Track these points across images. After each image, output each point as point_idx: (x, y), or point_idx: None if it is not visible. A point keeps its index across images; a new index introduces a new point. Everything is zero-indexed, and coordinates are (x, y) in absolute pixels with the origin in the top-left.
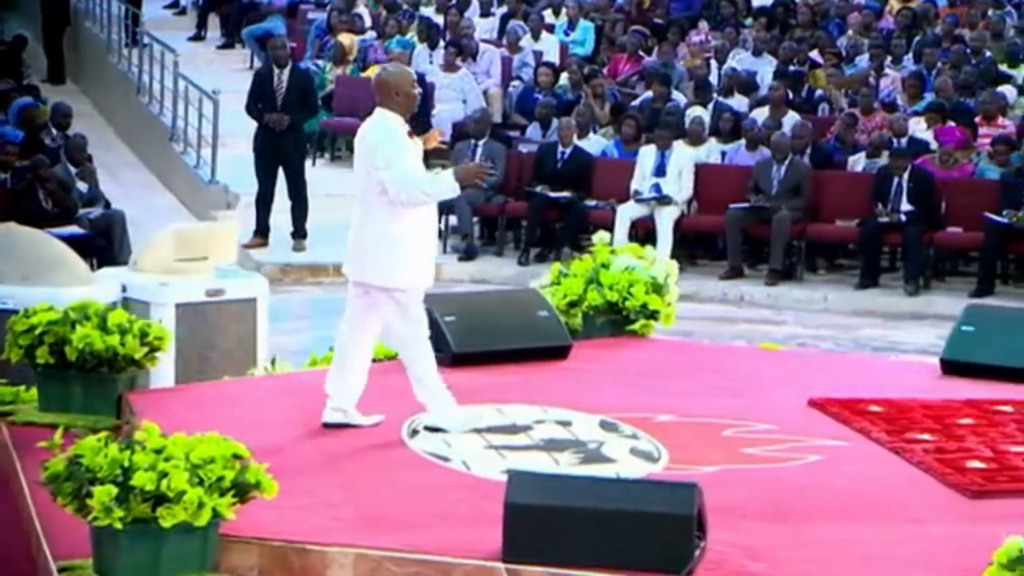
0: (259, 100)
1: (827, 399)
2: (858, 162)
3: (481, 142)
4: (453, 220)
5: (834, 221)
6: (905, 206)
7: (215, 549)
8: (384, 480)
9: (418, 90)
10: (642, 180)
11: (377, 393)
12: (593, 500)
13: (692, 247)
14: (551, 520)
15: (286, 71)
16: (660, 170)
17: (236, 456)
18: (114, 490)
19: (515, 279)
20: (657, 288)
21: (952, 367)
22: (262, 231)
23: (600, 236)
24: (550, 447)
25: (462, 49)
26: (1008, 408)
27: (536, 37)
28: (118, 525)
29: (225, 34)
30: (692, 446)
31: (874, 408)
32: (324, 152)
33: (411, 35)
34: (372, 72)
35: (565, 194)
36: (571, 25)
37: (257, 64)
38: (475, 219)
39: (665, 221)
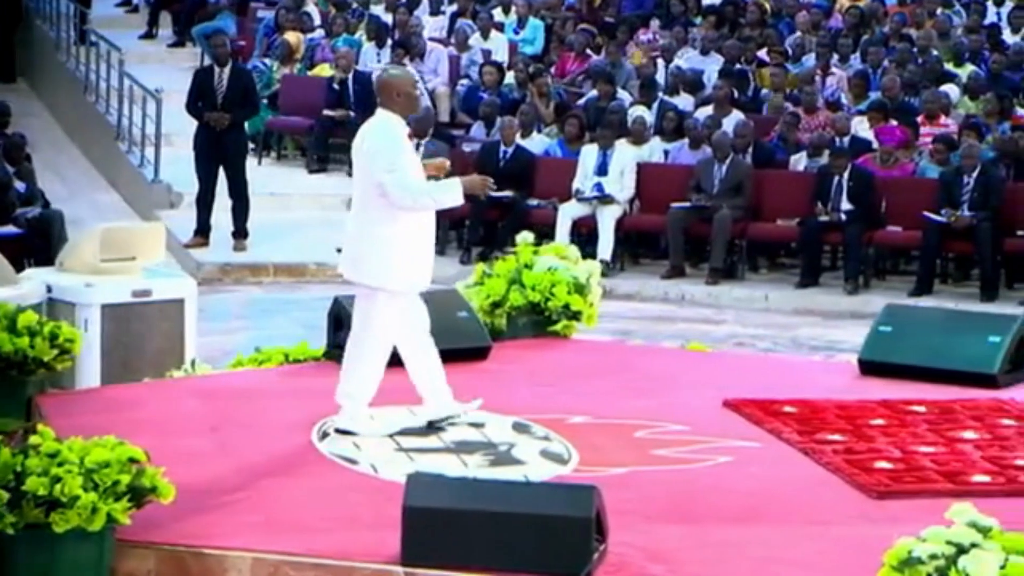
0: (199, 99)
1: (741, 400)
2: (799, 161)
3: (424, 141)
4: None
5: (775, 220)
6: (845, 205)
7: (111, 554)
8: (290, 483)
9: (420, 91)
10: (584, 179)
11: (291, 394)
12: (492, 503)
13: (635, 246)
14: (449, 523)
15: (227, 69)
16: (602, 169)
17: (132, 460)
18: (6, 495)
19: (457, 278)
20: (579, 289)
21: (870, 367)
22: (203, 230)
23: (523, 237)
24: (460, 449)
25: (409, 48)
26: (921, 408)
27: (485, 36)
28: (10, 531)
29: (176, 32)
30: (603, 448)
31: (788, 409)
32: (270, 151)
33: (360, 34)
34: (319, 71)
35: (507, 193)
36: (521, 23)
37: (207, 62)
38: None
39: (607, 220)
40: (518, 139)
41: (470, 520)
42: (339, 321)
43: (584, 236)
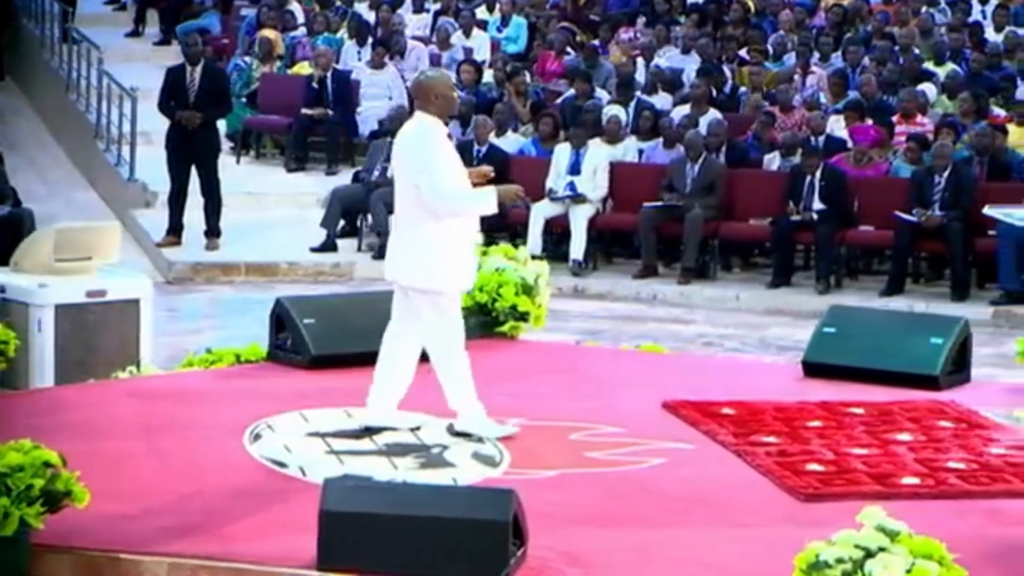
0: (172, 97)
1: (680, 401)
2: (773, 160)
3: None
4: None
5: (747, 220)
6: (817, 204)
7: (27, 559)
8: (217, 486)
9: (457, 93)
10: (557, 178)
11: (229, 396)
12: (408, 507)
13: (609, 245)
14: (366, 527)
15: (199, 68)
16: (575, 168)
17: (47, 464)
18: None
19: None
20: (527, 290)
21: (814, 369)
22: (175, 229)
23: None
24: (392, 452)
25: (389, 47)
26: (860, 410)
27: (467, 34)
28: None
29: (163, 30)
30: (536, 450)
31: (726, 410)
32: (249, 150)
33: (342, 32)
34: (298, 69)
35: None
36: (504, 21)
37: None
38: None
39: (579, 220)
40: (492, 138)
41: (387, 524)
42: (281, 323)
43: (557, 235)
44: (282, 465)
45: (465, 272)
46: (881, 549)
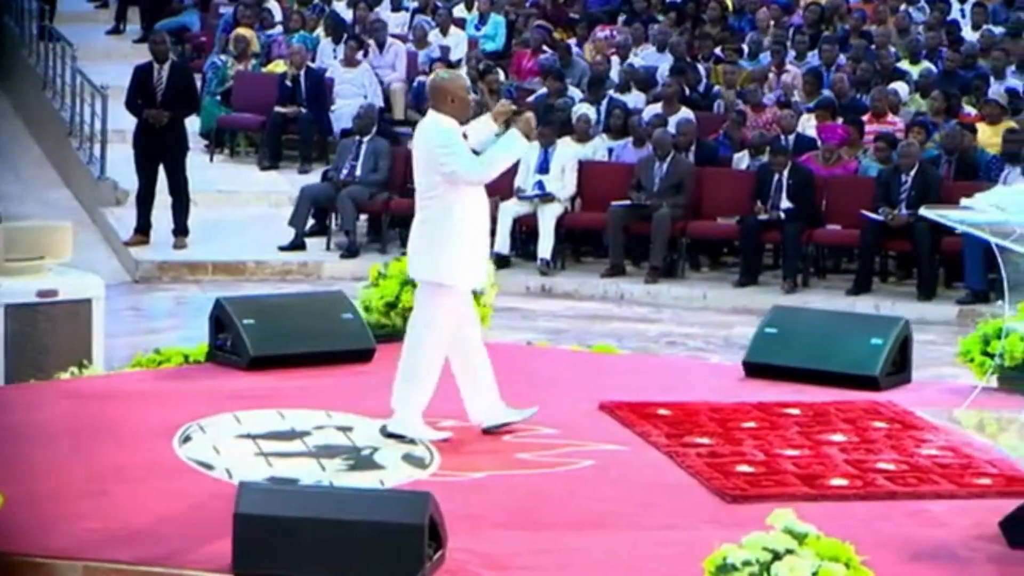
0: (139, 96)
1: (617, 402)
2: (743, 159)
3: (366, 139)
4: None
5: (715, 219)
6: (785, 203)
7: None
8: (141, 489)
9: (472, 96)
10: (526, 177)
11: (165, 397)
12: (324, 510)
13: (578, 244)
14: (281, 531)
15: (166, 66)
16: (543, 167)
17: None
18: None
19: None
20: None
21: (755, 369)
22: (143, 228)
23: None
24: (321, 453)
25: (362, 43)
26: (796, 411)
27: (444, 32)
28: None
29: (144, 28)
30: (467, 451)
31: (662, 412)
32: (223, 148)
33: (319, 30)
34: (273, 67)
35: None
36: (483, 19)
37: (172, 59)
38: (362, 217)
39: (547, 219)
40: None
41: (301, 527)
42: (220, 323)
43: (525, 234)
44: (209, 467)
45: (476, 269)
46: (789, 551)
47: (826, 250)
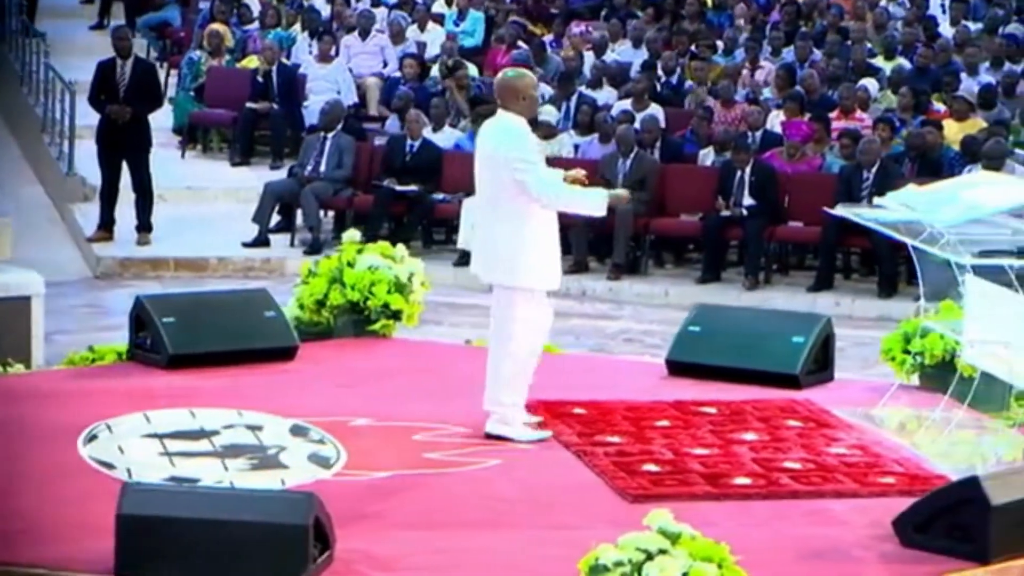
0: (101, 92)
1: (533, 401)
2: (708, 156)
3: (330, 135)
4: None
5: (679, 215)
6: (747, 200)
7: None
8: (40, 489)
9: (539, 93)
10: None
11: (77, 396)
12: (207, 511)
13: None
14: (163, 532)
15: (129, 62)
16: None
17: None
18: None
19: None
20: (400, 288)
21: (677, 368)
22: (106, 224)
23: (350, 235)
24: (226, 453)
25: (335, 39)
26: (712, 410)
27: (422, 28)
28: None
29: (127, 23)
30: (375, 451)
31: (577, 411)
32: (196, 144)
33: (298, 26)
34: (247, 63)
35: (412, 187)
36: (462, 15)
37: (154, 54)
38: (329, 213)
39: None
40: (429, 133)
41: (184, 528)
42: (141, 322)
43: None
44: (110, 467)
45: (552, 269)
46: (662, 551)
47: (790, 247)
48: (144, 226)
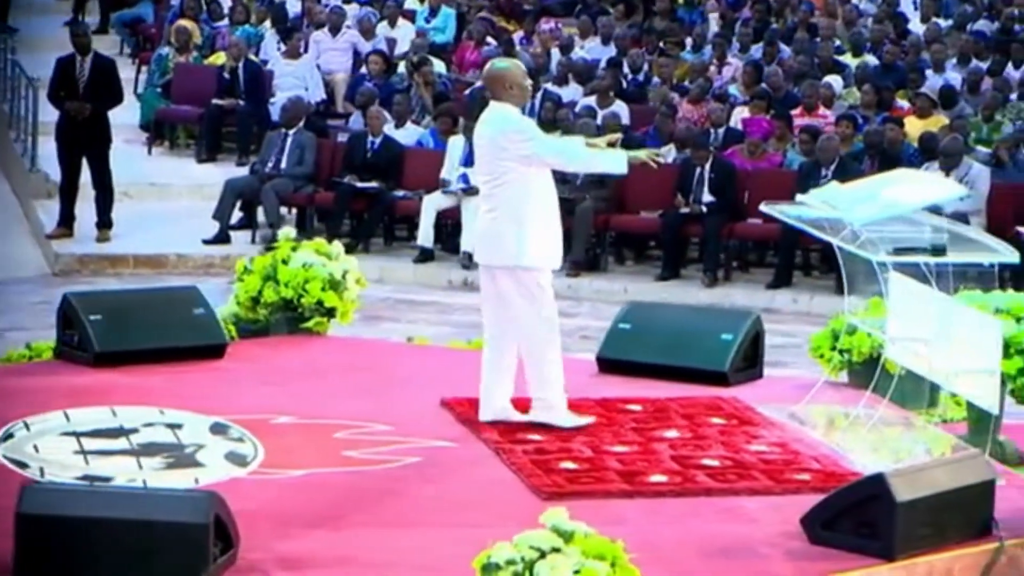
0: (61, 88)
1: (458, 399)
2: (669, 153)
3: (292, 132)
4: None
5: (639, 212)
6: (707, 197)
7: None
8: None
9: (529, 82)
10: (451, 170)
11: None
12: (107, 510)
13: None
14: (64, 532)
15: (88, 58)
16: (468, 160)
17: None
18: None
19: None
20: (335, 285)
21: (608, 365)
22: (66, 221)
23: (285, 232)
24: (143, 452)
25: (303, 36)
26: (637, 407)
27: (392, 24)
28: None
29: (102, 19)
30: (294, 449)
31: None
32: (163, 140)
33: (268, 22)
34: (215, 59)
35: (373, 184)
36: (433, 12)
37: (127, 51)
38: (292, 209)
39: (470, 212)
40: (391, 129)
41: (83, 528)
42: (68, 320)
43: (450, 228)
44: (23, 466)
45: (553, 249)
46: (555, 550)
47: (750, 244)
48: (104, 223)
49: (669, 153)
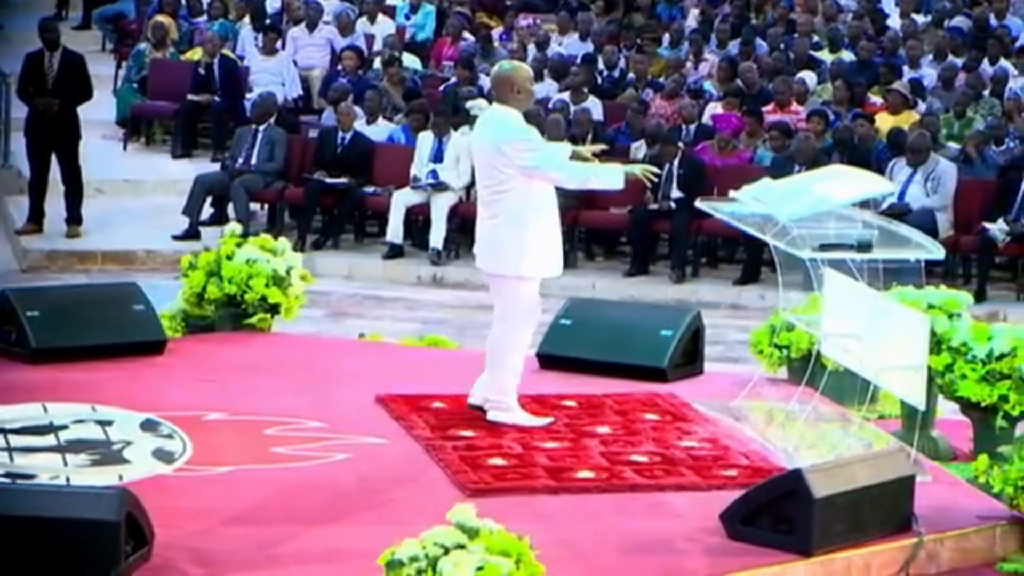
0: (30, 84)
1: (392, 395)
2: (640, 149)
3: (262, 127)
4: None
5: (608, 208)
6: (676, 193)
7: None
8: None
9: (535, 87)
10: (420, 166)
11: None
12: (16, 508)
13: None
14: None
15: (57, 54)
16: (437, 156)
17: None
18: None
19: None
20: (279, 281)
21: (548, 361)
22: (35, 217)
23: (231, 228)
24: (70, 448)
25: (280, 32)
26: (572, 403)
27: (372, 20)
28: None
29: (84, 15)
30: (223, 446)
31: (437, 404)
32: (139, 136)
33: (247, 18)
34: (192, 54)
35: (342, 180)
36: (414, 8)
37: (109, 46)
38: (264, 205)
39: (439, 208)
40: (361, 125)
41: None
42: (6, 316)
43: (420, 224)
44: None
45: (553, 259)
46: (460, 547)
47: (719, 240)
48: (74, 219)
49: (639, 150)
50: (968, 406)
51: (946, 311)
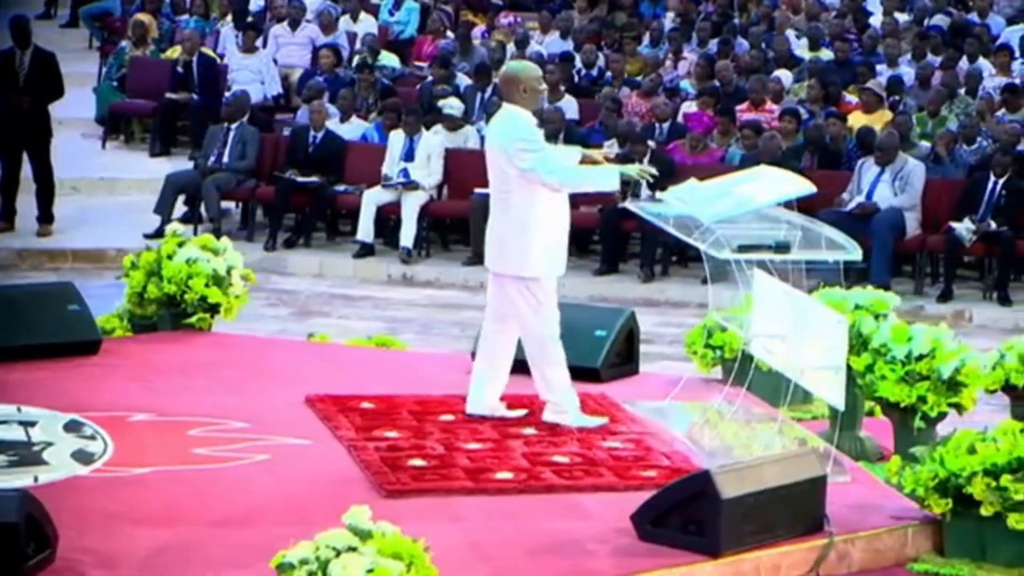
0: (1, 82)
1: (321, 396)
2: (612, 148)
3: (234, 126)
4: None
5: (578, 207)
6: (645, 192)
7: None
8: None
9: (544, 86)
10: (391, 165)
11: None
12: None
13: (447, 232)
14: None
15: (28, 52)
16: (408, 155)
17: None
18: None
19: (259, 264)
20: (219, 281)
21: None
22: (7, 215)
23: (173, 228)
24: None
25: (260, 30)
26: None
27: (355, 18)
28: None
29: (72, 13)
30: (145, 447)
31: (365, 404)
32: (118, 134)
33: (229, 16)
34: (172, 53)
35: (313, 179)
36: (397, 5)
37: (96, 44)
38: (237, 204)
39: (410, 207)
40: (336, 124)
41: None
42: None
43: (391, 222)
44: None
45: (558, 257)
46: (351, 549)
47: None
48: (45, 217)
49: (612, 148)
50: (888, 407)
51: (872, 312)
